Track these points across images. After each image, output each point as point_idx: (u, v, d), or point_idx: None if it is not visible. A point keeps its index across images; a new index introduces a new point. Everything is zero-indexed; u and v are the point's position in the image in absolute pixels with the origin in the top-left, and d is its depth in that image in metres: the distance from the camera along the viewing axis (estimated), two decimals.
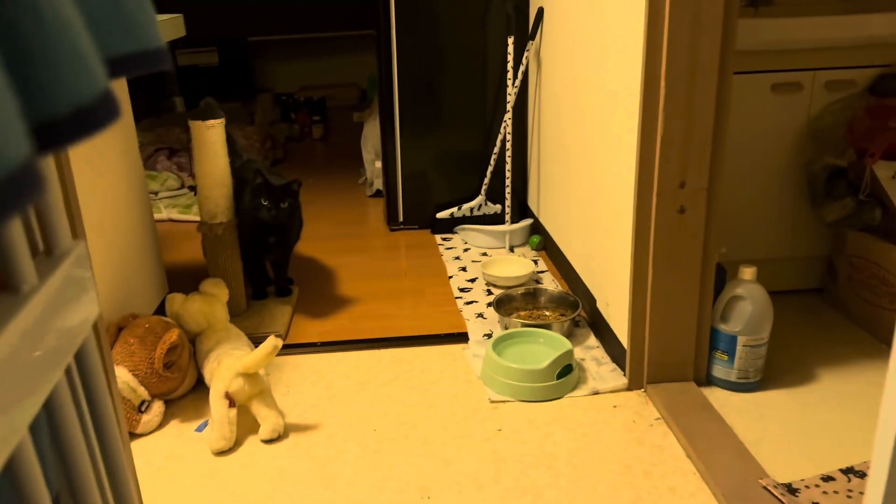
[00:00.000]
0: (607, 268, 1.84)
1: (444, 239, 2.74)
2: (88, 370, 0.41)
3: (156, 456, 1.50)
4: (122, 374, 1.53)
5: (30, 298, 0.31)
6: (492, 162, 2.62)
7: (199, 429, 1.58)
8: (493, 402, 1.66)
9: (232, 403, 1.51)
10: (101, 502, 0.40)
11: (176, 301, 1.73)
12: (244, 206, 1.96)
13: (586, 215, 2.01)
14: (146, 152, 3.33)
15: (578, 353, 1.84)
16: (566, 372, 1.67)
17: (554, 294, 2.08)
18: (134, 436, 1.55)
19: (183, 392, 1.67)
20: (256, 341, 1.85)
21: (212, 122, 1.84)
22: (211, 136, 1.85)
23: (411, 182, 2.79)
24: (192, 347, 1.72)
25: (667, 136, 1.52)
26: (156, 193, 3.12)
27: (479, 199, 2.73)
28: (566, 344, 1.74)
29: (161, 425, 1.59)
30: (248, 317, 2.01)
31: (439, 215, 2.76)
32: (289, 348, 1.90)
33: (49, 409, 0.35)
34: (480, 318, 2.05)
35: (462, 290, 2.26)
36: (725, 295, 1.69)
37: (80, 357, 0.41)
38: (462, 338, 1.95)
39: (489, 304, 2.13)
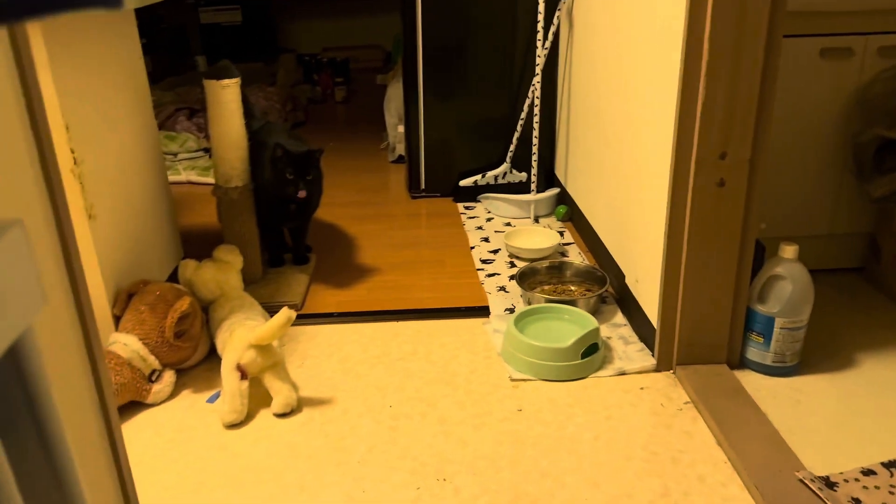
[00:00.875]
0: (638, 242, 1.75)
1: (466, 208, 2.65)
2: (29, 381, 0.34)
3: (166, 427, 1.46)
4: (132, 343, 1.48)
5: None
6: (518, 128, 2.51)
7: (211, 400, 1.54)
8: (513, 380, 1.59)
9: (244, 376, 1.46)
10: None
11: (189, 268, 1.68)
12: (264, 175, 1.89)
13: (617, 185, 1.92)
14: (166, 112, 3.27)
15: (605, 331, 1.76)
16: (591, 351, 1.60)
17: (580, 268, 2.00)
18: (144, 406, 1.51)
19: (195, 362, 1.63)
20: (271, 310, 1.79)
21: (227, 81, 1.76)
22: (226, 96, 1.77)
23: (434, 148, 2.70)
24: (205, 316, 1.67)
25: (708, 103, 1.41)
26: (175, 155, 3.06)
27: (504, 166, 2.63)
28: (592, 321, 1.66)
29: (172, 395, 1.55)
30: (263, 284, 1.95)
31: (462, 183, 2.67)
32: (304, 318, 1.84)
33: None
34: (502, 292, 1.98)
35: (484, 261, 2.18)
36: (764, 274, 1.59)
37: (17, 361, 0.34)
38: (483, 312, 1.88)
39: (511, 278, 2.05)
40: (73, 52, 1.45)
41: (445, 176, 2.73)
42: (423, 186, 2.76)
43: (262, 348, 1.46)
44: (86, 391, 0.71)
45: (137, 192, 1.74)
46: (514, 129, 2.53)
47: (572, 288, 1.97)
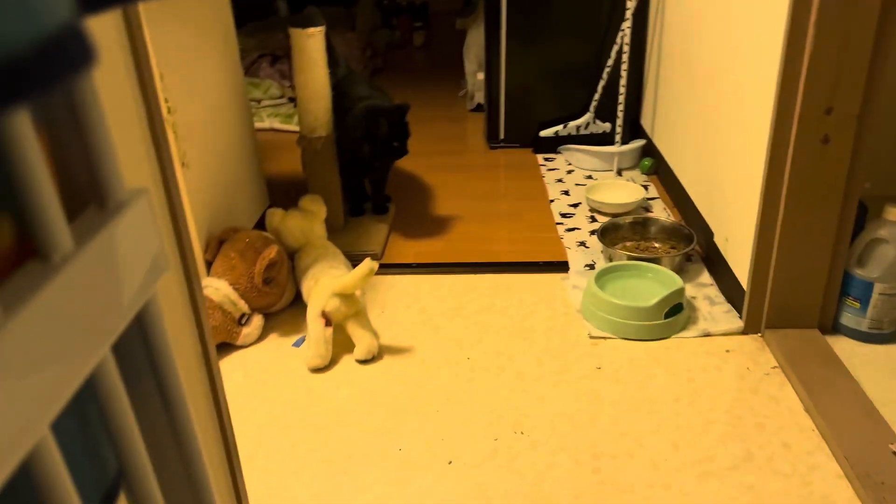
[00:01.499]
0: (730, 199, 1.67)
1: (546, 159, 2.60)
2: (152, 340, 0.35)
3: (255, 369, 1.52)
4: (223, 288, 1.55)
5: (60, 269, 0.25)
6: (604, 76, 2.42)
7: (297, 344, 1.59)
8: (592, 337, 1.58)
9: (328, 323, 1.50)
10: (162, 495, 0.35)
11: (276, 216, 1.72)
12: (349, 127, 1.90)
13: (709, 139, 1.83)
14: (249, 58, 3.31)
15: (690, 290, 1.71)
16: (675, 311, 1.56)
17: (665, 224, 1.94)
18: (234, 347, 1.58)
19: (282, 307, 1.69)
20: (353, 259, 1.83)
21: (312, 30, 1.76)
22: (311, 45, 1.78)
23: (515, 97, 2.64)
24: (291, 263, 1.72)
25: (816, 53, 1.32)
26: (258, 101, 3.12)
27: (587, 116, 2.56)
28: (677, 281, 1.61)
29: (260, 338, 1.61)
30: (345, 234, 1.99)
31: (542, 133, 2.61)
32: (384, 268, 1.87)
33: (97, 389, 0.30)
34: (582, 247, 1.94)
35: (564, 215, 2.15)
36: (865, 236, 1.50)
37: (142, 324, 0.35)
38: (562, 267, 1.86)
39: (592, 233, 2.01)
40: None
41: (525, 126, 2.68)
42: (501, 137, 2.72)
43: (346, 297, 1.50)
44: (190, 342, 0.74)
45: (226, 140, 1.79)
46: (600, 77, 2.44)
47: (656, 245, 1.92)
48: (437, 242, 2.02)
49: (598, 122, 2.57)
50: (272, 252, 1.56)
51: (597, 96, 2.49)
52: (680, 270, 1.78)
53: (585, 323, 1.62)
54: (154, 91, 0.65)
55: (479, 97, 3.15)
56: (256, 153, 2.01)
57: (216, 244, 1.61)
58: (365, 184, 2.14)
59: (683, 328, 1.58)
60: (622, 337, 1.57)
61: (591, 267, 1.84)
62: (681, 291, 1.57)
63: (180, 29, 1.55)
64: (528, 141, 2.69)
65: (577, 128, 2.58)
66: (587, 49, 2.55)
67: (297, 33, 1.77)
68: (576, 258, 1.89)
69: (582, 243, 1.96)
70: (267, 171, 2.53)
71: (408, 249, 1.98)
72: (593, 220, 2.11)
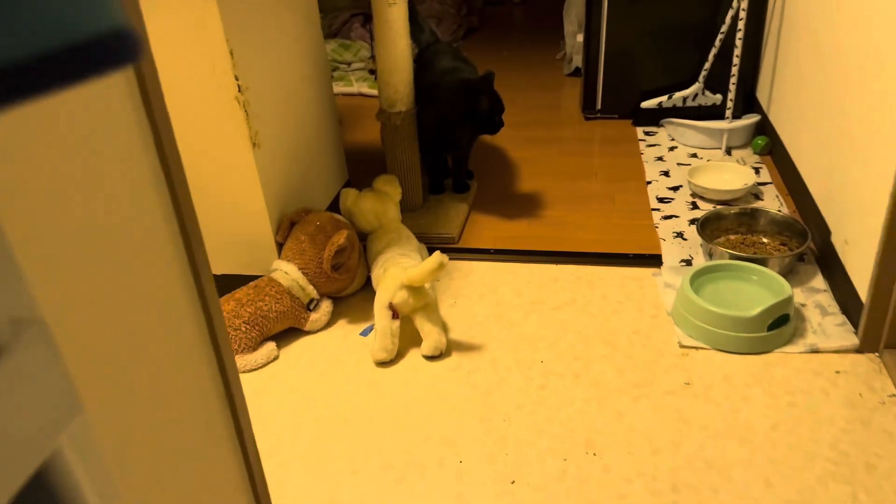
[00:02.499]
0: (854, 195, 1.46)
1: (647, 133, 2.40)
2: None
3: (321, 358, 1.48)
4: (292, 272, 1.51)
5: None
6: (717, 42, 2.18)
7: (365, 333, 1.54)
8: (683, 346, 1.43)
9: (395, 315, 1.43)
10: None
11: (349, 197, 1.66)
12: (433, 101, 1.80)
13: (834, 122, 1.60)
14: (341, 18, 3.24)
15: (799, 295, 1.52)
16: (780, 322, 1.39)
17: (776, 217, 1.73)
18: (302, 333, 1.55)
19: (352, 291, 1.64)
20: (429, 242, 1.75)
21: None
22: (392, 14, 1.67)
23: (615, 61, 2.44)
24: (363, 246, 1.65)
25: None
26: (348, 64, 3.05)
27: (696, 86, 2.33)
28: (785, 288, 1.43)
29: (328, 324, 1.57)
30: (422, 213, 1.90)
31: (644, 104, 2.41)
32: (460, 253, 1.78)
33: None
34: (679, 239, 1.77)
35: (661, 199, 1.97)
36: None
37: (46, 485, 0.27)
38: (654, 261, 1.70)
39: (692, 223, 1.83)
40: None
41: (625, 95, 2.48)
42: (598, 107, 2.53)
43: (414, 289, 1.42)
44: (203, 361, 0.68)
45: (303, 117, 1.73)
46: (712, 44, 2.20)
47: (764, 240, 1.72)
48: (519, 226, 1.91)
49: (707, 93, 2.33)
50: (341, 238, 1.50)
51: (708, 64, 2.25)
52: (789, 272, 1.58)
53: (676, 329, 1.48)
54: (162, 109, 0.57)
55: (578, 61, 2.95)
56: (337, 127, 1.95)
57: (287, 225, 1.57)
58: (447, 160, 2.04)
59: (788, 342, 1.41)
60: (717, 348, 1.41)
61: (688, 263, 1.67)
62: (789, 301, 1.39)
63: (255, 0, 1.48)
64: (627, 112, 2.49)
65: (684, 99, 2.36)
66: (699, 11, 2.30)
67: (378, 2, 1.67)
68: (671, 252, 1.72)
69: (679, 234, 1.79)
70: (350, 140, 2.48)
71: (487, 233, 1.88)
72: (694, 206, 1.92)
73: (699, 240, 1.71)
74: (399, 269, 1.45)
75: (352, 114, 2.74)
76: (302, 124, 1.72)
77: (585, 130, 2.49)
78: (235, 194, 1.52)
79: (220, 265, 1.61)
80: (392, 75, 1.75)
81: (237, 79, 1.39)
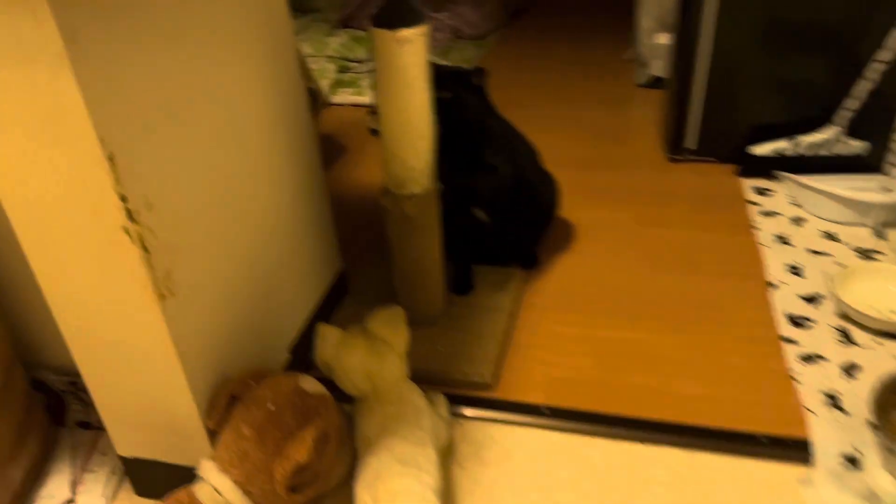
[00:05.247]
0: None
1: (759, 191, 1.75)
2: None
3: None
4: (226, 489, 0.94)
5: None
6: (871, 71, 1.51)
7: None
8: None
9: None
10: None
11: (328, 343, 1.07)
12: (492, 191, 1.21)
13: None
14: (352, 3, 2.59)
15: None
16: None
17: None
18: None
19: (328, 490, 1.06)
20: (450, 388, 1.17)
21: (406, 32, 1.03)
22: (404, 56, 1.05)
23: (719, 83, 1.77)
24: (348, 422, 1.08)
25: None
26: (360, 62, 2.42)
27: (834, 130, 1.67)
28: None
29: None
30: (440, 334, 1.31)
31: (757, 150, 1.76)
32: (497, 411, 1.19)
33: None
34: (835, 410, 1.16)
35: (794, 321, 1.34)
36: None
37: None
38: (799, 452, 1.09)
39: (849, 372, 1.21)
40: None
41: (730, 131, 1.82)
42: (690, 144, 1.88)
43: None
44: None
45: (263, 221, 1.13)
46: (862, 66, 1.53)
47: None
48: (581, 359, 1.30)
49: (847, 140, 1.68)
50: (304, 449, 0.92)
51: (855, 103, 1.59)
52: None
53: None
54: None
55: (658, 69, 2.28)
56: (324, 214, 1.35)
57: (224, 402, 0.99)
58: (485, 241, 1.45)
59: None
60: None
61: (853, 462, 1.06)
62: None
63: (162, 53, 0.88)
64: (730, 154, 1.84)
65: (815, 146, 1.70)
66: (849, 23, 1.62)
67: (382, 37, 1.05)
68: (824, 434, 1.11)
69: (832, 399, 1.17)
70: (349, 179, 1.88)
71: (535, 370, 1.28)
72: (847, 338, 1.29)
73: (868, 413, 1.09)
74: (394, 492, 0.87)
75: (358, 135, 2.12)
76: (261, 233, 1.12)
77: (671, 179, 1.84)
78: (143, 358, 0.94)
79: (135, 445, 1.06)
80: (402, 145, 1.14)
81: (124, 200, 0.80)
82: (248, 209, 1.09)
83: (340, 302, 1.42)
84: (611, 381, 1.25)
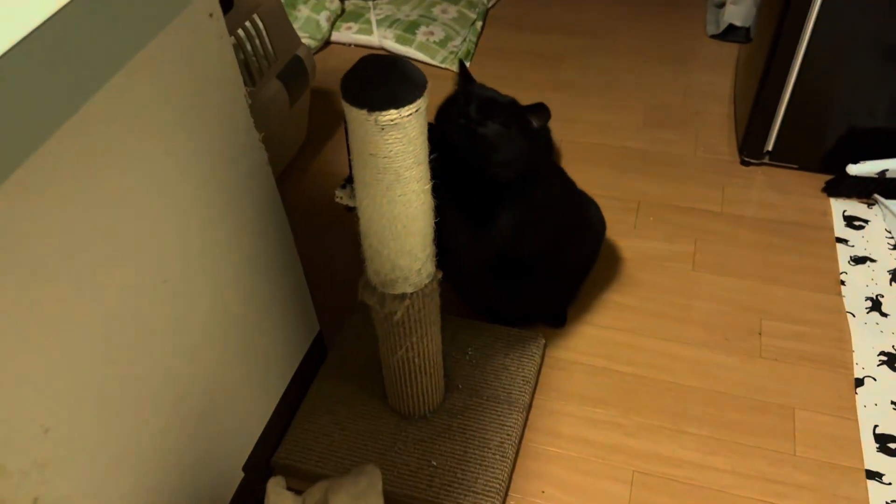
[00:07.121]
0: None
1: (849, 221, 1.39)
2: None
3: None
4: None
5: None
6: None
7: None
8: None
9: None
10: None
11: None
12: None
13: None
14: None
15: None
16: None
17: None
18: None
19: None
20: None
21: (392, 115, 0.68)
22: (390, 144, 0.71)
23: (814, 78, 1.36)
24: None
25: None
26: None
27: None
28: None
29: None
30: (436, 434, 1.05)
31: (853, 169, 1.37)
32: None
33: None
34: None
35: (889, 444, 1.05)
36: None
37: None
38: None
39: None
40: None
41: (818, 137, 1.44)
42: (769, 146, 1.49)
43: None
44: None
45: (209, 325, 0.84)
46: None
47: None
48: (610, 485, 1.04)
49: None
50: None
51: None
52: None
53: None
54: None
55: (736, 15, 1.83)
56: (292, 275, 1.03)
57: None
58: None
59: None
60: None
61: None
62: None
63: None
64: (816, 163, 1.47)
65: None
66: None
67: (357, 118, 0.70)
68: None
69: None
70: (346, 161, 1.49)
71: (551, 502, 1.03)
72: None
73: None
74: None
75: None
76: (200, 352, 0.83)
77: (743, 193, 1.47)
78: None
79: None
80: (387, 244, 0.81)
81: None
82: (182, 330, 0.79)
83: (317, 371, 1.16)
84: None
